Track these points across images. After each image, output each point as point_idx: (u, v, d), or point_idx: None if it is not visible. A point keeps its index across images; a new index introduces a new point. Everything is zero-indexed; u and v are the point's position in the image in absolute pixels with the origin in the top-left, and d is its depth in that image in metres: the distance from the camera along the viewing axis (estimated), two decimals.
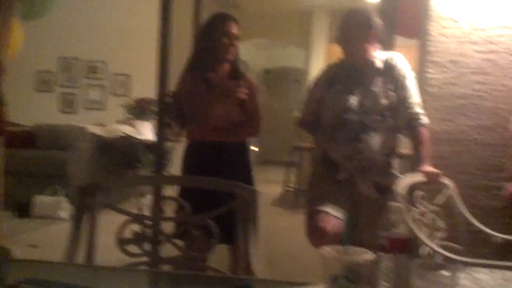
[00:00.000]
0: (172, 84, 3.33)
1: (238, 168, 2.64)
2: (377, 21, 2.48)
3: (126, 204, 5.67)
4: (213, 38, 2.60)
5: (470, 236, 2.31)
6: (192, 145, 2.69)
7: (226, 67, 2.65)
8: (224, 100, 2.57)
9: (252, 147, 2.80)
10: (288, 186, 6.48)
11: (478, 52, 2.82)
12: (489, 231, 2.30)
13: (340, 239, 1.09)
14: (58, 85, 8.16)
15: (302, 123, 2.70)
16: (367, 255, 1.01)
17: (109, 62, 7.94)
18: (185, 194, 2.51)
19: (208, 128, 2.60)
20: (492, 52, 2.81)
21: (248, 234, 1.66)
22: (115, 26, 7.62)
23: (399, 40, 3.27)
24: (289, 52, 10.59)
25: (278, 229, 4.99)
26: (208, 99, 2.56)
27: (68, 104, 8.14)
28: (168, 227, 1.76)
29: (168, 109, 2.97)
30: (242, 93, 2.54)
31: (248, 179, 2.65)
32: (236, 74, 2.65)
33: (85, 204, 1.66)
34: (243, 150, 2.71)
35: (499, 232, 2.31)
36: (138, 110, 6.40)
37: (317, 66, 7.99)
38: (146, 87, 5.02)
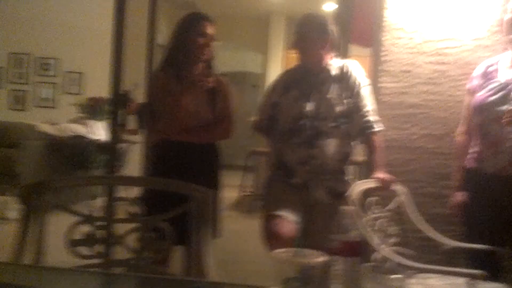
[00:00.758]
0: (126, 83, 3.29)
1: (205, 169, 2.61)
2: (333, 27, 2.52)
3: (78, 206, 5.54)
4: (188, 38, 2.57)
5: (420, 242, 2.37)
6: (160, 144, 2.64)
7: (200, 67, 2.63)
8: (194, 97, 2.55)
9: None
10: (244, 191, 6.48)
11: (428, 63, 2.91)
12: (438, 237, 2.38)
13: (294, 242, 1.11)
14: (8, 81, 7.89)
15: (257, 127, 2.71)
16: (319, 258, 1.02)
17: (62, 59, 7.74)
18: (147, 195, 2.49)
19: (178, 127, 2.56)
20: (441, 63, 2.91)
21: (201, 236, 1.65)
22: (69, 22, 7.44)
23: (354, 48, 3.34)
24: (246, 56, 10.63)
25: (234, 232, 4.98)
26: (179, 96, 2.53)
27: (18, 101, 7.88)
28: (120, 228, 1.73)
29: (124, 106, 2.92)
30: (209, 82, 2.52)
31: (214, 182, 2.64)
32: (210, 74, 2.63)
33: (33, 204, 1.61)
34: (212, 152, 2.68)
35: (448, 239, 2.38)
36: (91, 109, 6.27)
37: (274, 71, 8.06)
38: (100, 86, 4.93)
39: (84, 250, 1.57)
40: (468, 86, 2.55)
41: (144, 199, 2.53)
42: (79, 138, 5.85)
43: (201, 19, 2.61)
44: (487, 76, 2.46)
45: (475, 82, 2.50)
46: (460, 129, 2.58)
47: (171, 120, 2.56)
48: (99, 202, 4.80)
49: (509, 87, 2.36)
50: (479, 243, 2.29)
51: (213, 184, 2.64)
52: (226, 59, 10.95)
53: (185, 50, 2.58)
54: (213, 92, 2.62)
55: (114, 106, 3.14)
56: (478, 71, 2.52)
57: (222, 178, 2.73)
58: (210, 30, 2.60)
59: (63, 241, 1.57)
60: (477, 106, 2.44)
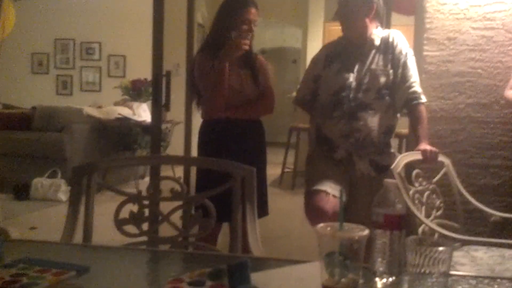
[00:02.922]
0: (167, 65, 3.32)
1: (253, 145, 2.66)
2: None
3: (126, 186, 5.70)
4: (232, 23, 2.56)
5: (467, 214, 2.32)
6: (207, 123, 2.69)
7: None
8: (236, 75, 2.56)
9: None
10: (287, 167, 6.48)
11: (474, 29, 2.81)
12: (486, 209, 2.31)
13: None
14: (55, 67, 8.12)
15: (299, 102, 2.69)
16: (363, 232, 1.01)
17: (105, 43, 7.90)
18: (202, 174, 2.56)
19: (223, 104, 2.57)
20: (488, 28, 2.79)
21: (245, 213, 1.67)
22: (110, 7, 7.56)
23: (396, 17, 3.25)
24: (285, 31, 10.53)
25: (277, 210, 5.00)
26: (221, 76, 2.53)
27: (65, 86, 8.11)
28: (166, 207, 1.76)
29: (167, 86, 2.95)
30: (245, 44, 2.51)
31: (262, 157, 2.70)
32: (249, 55, 2.63)
33: (82, 185, 1.66)
34: (258, 127, 2.71)
35: (496, 210, 2.32)
36: (134, 92, 6.38)
37: (314, 45, 7.95)
38: (142, 68, 5.01)
39: (131, 229, 1.61)
40: None
41: (200, 178, 2.60)
42: (124, 120, 5.98)
43: (247, 4, 2.58)
44: None
45: None
46: (508, 88, 2.48)
47: (217, 98, 2.57)
48: (147, 181, 4.92)
49: None
50: None
51: (262, 159, 2.70)
52: (265, 35, 10.90)
53: (228, 34, 2.56)
54: (253, 70, 2.63)
55: (157, 87, 3.19)
56: None
57: (266, 153, 2.76)
58: (253, 15, 2.58)
59: (112, 221, 1.61)
60: None
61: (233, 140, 2.60)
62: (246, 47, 2.52)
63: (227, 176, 1.70)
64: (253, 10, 2.59)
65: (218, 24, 2.64)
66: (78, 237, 1.61)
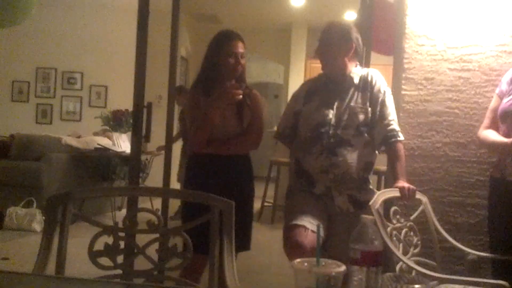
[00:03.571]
0: (148, 96, 3.33)
1: (239, 180, 2.67)
2: (357, 35, 2.51)
3: (103, 217, 5.62)
4: (219, 58, 2.63)
5: (444, 252, 2.33)
6: (193, 157, 2.73)
7: (232, 81, 2.68)
8: (222, 109, 2.58)
9: None
10: (266, 201, 6.46)
11: (451, 70, 2.88)
12: (463, 247, 2.33)
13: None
14: (35, 95, 8.07)
15: (280, 136, 2.71)
16: (339, 268, 1.01)
17: (86, 73, 7.89)
18: (187, 207, 2.56)
19: (204, 141, 2.61)
20: (465, 70, 2.87)
21: (223, 247, 1.65)
22: (94, 37, 7.60)
23: (375, 57, 3.32)
24: (268, 67, 10.67)
25: (256, 243, 4.97)
26: (207, 109, 2.57)
27: (44, 115, 8.05)
28: (143, 239, 1.74)
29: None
30: (237, 94, 2.55)
31: (248, 191, 2.70)
32: (240, 87, 2.66)
33: (57, 215, 1.63)
34: (243, 163, 2.72)
35: (473, 249, 2.33)
36: (115, 122, 6.35)
37: (295, 81, 8.06)
38: (123, 99, 5.01)
39: (106, 261, 1.58)
40: (497, 90, 2.51)
41: (185, 211, 2.59)
42: (104, 150, 5.93)
43: (232, 38, 2.66)
44: None
45: (503, 87, 2.47)
46: (482, 128, 2.54)
47: (200, 134, 2.60)
48: (124, 213, 4.85)
49: None
50: (504, 253, 2.24)
51: (248, 193, 2.71)
52: (248, 70, 11.02)
53: (217, 69, 2.65)
54: (242, 105, 2.65)
55: (137, 118, 3.18)
56: (507, 76, 2.48)
57: (253, 187, 2.76)
58: (241, 48, 2.66)
59: (86, 252, 1.58)
60: (502, 113, 2.40)
61: (218, 174, 2.61)
62: (239, 98, 2.56)
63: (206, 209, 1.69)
64: (239, 44, 2.65)
65: (207, 60, 2.70)
66: (51, 269, 1.57)
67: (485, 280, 2.04)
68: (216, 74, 2.65)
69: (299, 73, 8.64)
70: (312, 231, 2.32)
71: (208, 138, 2.60)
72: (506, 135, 2.35)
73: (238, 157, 2.69)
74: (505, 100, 2.41)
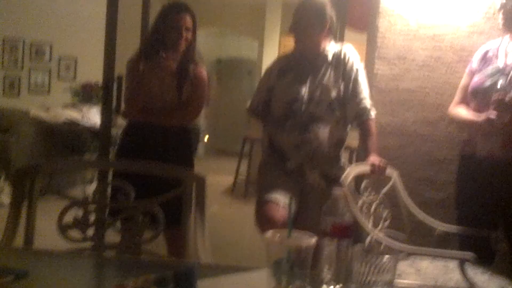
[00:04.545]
0: (118, 68, 3.27)
1: (175, 153, 2.66)
2: (331, 12, 2.50)
3: (74, 190, 5.55)
4: (164, 29, 2.60)
5: (413, 225, 2.38)
6: (128, 126, 2.72)
7: (176, 55, 2.63)
8: (159, 80, 2.59)
9: (203, 136, 2.82)
10: (239, 176, 6.49)
11: (423, 49, 2.90)
12: (431, 221, 2.38)
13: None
14: (2, 67, 7.84)
15: (252, 112, 2.70)
16: (310, 240, 1.02)
17: (55, 44, 7.69)
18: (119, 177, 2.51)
19: (143, 108, 2.61)
20: (437, 49, 2.89)
21: (195, 220, 1.65)
22: (63, 7, 7.38)
23: (349, 33, 3.32)
24: (242, 42, 10.56)
25: (228, 218, 5.01)
26: (143, 78, 2.58)
27: (12, 87, 7.83)
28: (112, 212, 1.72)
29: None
30: (168, 66, 2.56)
31: (185, 164, 2.65)
32: (184, 63, 2.64)
33: (25, 188, 1.60)
34: (182, 133, 2.72)
35: (441, 223, 2.39)
36: (84, 95, 6.24)
37: (269, 57, 8.01)
38: (93, 71, 4.91)
39: (76, 234, 1.57)
40: (467, 68, 2.55)
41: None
42: (73, 123, 5.82)
43: (180, 11, 2.62)
44: (485, 61, 2.45)
45: (474, 65, 2.50)
46: (453, 105, 2.58)
47: (134, 100, 2.61)
48: (94, 187, 4.81)
49: (506, 73, 2.35)
50: (471, 227, 2.30)
51: (186, 166, 2.66)
52: (222, 45, 10.91)
53: (161, 40, 2.63)
54: (183, 78, 2.63)
55: (107, 91, 3.13)
56: (478, 54, 2.52)
57: (192, 162, 2.76)
58: (188, 23, 2.62)
59: (55, 225, 1.56)
60: (473, 90, 2.44)
61: (154, 145, 2.61)
62: (172, 69, 2.58)
63: (147, 181, 1.67)
64: (185, 17, 2.61)
65: (152, 29, 2.70)
66: (19, 242, 1.55)
67: (452, 252, 2.10)
68: (160, 46, 2.62)
69: (273, 49, 8.58)
70: (284, 206, 2.34)
71: (144, 106, 2.60)
72: (477, 111, 2.39)
73: (176, 128, 2.68)
74: (475, 77, 2.45)
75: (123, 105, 2.72)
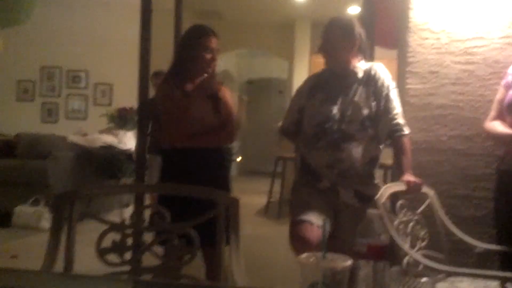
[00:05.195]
0: (153, 92, 3.34)
1: (214, 173, 2.70)
2: (360, 30, 2.51)
3: (110, 215, 5.64)
4: (192, 52, 2.66)
5: (451, 245, 2.32)
6: (168, 152, 2.76)
7: (204, 77, 2.70)
8: (197, 105, 2.64)
9: (235, 157, 2.85)
10: (272, 196, 6.48)
11: (456, 63, 2.87)
12: (470, 240, 2.33)
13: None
14: (40, 94, 8.09)
15: (284, 132, 2.71)
16: (345, 262, 1.01)
17: (91, 71, 7.91)
18: (163, 202, 2.54)
19: (183, 134, 2.66)
20: (469, 63, 2.85)
21: (229, 242, 1.66)
22: (97, 35, 7.60)
23: (378, 51, 3.31)
24: (272, 63, 10.65)
25: (262, 239, 4.99)
26: (183, 104, 2.62)
27: (50, 114, 8.07)
28: (149, 236, 1.75)
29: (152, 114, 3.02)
30: (211, 90, 2.61)
31: (223, 185, 2.72)
32: (213, 82, 2.70)
33: (64, 213, 1.64)
34: (218, 155, 2.76)
35: (480, 241, 2.33)
36: (120, 120, 6.37)
37: (300, 77, 8.05)
38: (128, 96, 5.02)
39: (113, 258, 1.59)
40: (503, 82, 2.50)
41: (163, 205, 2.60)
42: (109, 148, 5.94)
43: (205, 33, 2.69)
44: None
45: (510, 78, 2.46)
46: (488, 120, 2.53)
47: (177, 128, 2.66)
48: (131, 210, 4.87)
49: None
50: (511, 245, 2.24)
51: (224, 186, 2.72)
52: (252, 66, 11.01)
53: (189, 63, 2.68)
54: (215, 99, 2.69)
55: (142, 116, 3.19)
56: None
57: (230, 181, 2.82)
58: (214, 44, 2.69)
59: (94, 250, 1.59)
60: (509, 104, 2.39)
61: (194, 168, 2.65)
62: (206, 92, 2.64)
63: (190, 204, 1.70)
64: (213, 39, 2.68)
65: (180, 54, 2.72)
66: (59, 266, 1.59)
67: (492, 272, 2.04)
68: (190, 68, 2.68)
69: (303, 68, 8.62)
70: (318, 226, 2.32)
71: (185, 132, 2.65)
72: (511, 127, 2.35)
73: (213, 150, 2.73)
74: (511, 91, 2.40)
75: (162, 133, 2.76)
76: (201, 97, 2.66)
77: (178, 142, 2.68)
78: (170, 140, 2.71)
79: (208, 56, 2.65)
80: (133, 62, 3.83)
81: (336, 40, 2.48)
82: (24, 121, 7.70)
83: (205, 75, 2.70)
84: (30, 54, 7.86)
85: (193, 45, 2.67)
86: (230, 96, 2.77)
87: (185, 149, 2.67)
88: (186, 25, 3.67)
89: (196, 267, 2.31)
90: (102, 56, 7.68)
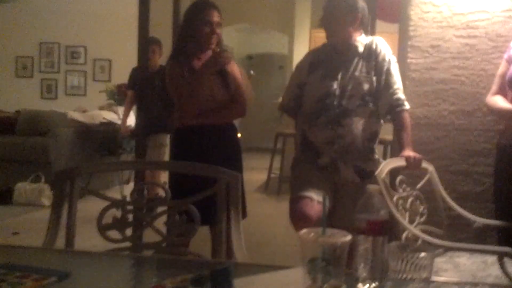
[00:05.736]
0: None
1: (227, 150, 2.69)
2: (363, 3, 2.48)
3: (110, 191, 5.66)
4: (194, 27, 2.62)
5: (450, 220, 2.33)
6: (180, 130, 2.73)
7: (210, 54, 2.66)
8: (206, 82, 2.60)
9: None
10: (272, 173, 6.49)
11: (458, 36, 2.84)
12: (469, 215, 2.33)
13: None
14: (39, 70, 8.05)
15: (284, 108, 2.70)
16: (345, 238, 1.02)
17: (90, 47, 7.85)
18: (175, 180, 2.55)
19: (195, 112, 2.63)
20: (471, 36, 2.83)
21: (231, 218, 1.67)
22: (96, 11, 7.53)
23: (380, 25, 3.28)
24: (272, 38, 10.56)
25: (263, 215, 5.02)
26: (191, 82, 2.58)
27: (48, 90, 8.05)
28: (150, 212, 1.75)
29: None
30: (224, 62, 2.58)
31: (237, 161, 2.72)
32: (220, 57, 2.66)
33: (64, 190, 1.64)
34: (231, 131, 2.76)
35: (479, 217, 2.34)
36: (120, 96, 6.34)
37: (301, 52, 7.97)
38: (127, 72, 4.99)
39: (115, 234, 1.60)
40: (505, 55, 2.48)
41: (171, 183, 2.60)
42: (109, 124, 5.93)
43: (206, 7, 2.66)
44: None
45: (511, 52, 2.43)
46: (490, 95, 2.51)
47: (188, 106, 2.63)
48: (132, 186, 4.89)
49: None
50: (510, 221, 2.25)
51: (237, 162, 2.72)
52: (252, 41, 10.93)
53: (193, 39, 2.65)
54: (223, 74, 2.66)
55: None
56: None
57: (241, 158, 2.79)
58: (216, 17, 2.65)
59: (95, 226, 1.60)
60: (509, 79, 2.37)
61: (207, 146, 2.63)
62: (213, 68, 2.60)
63: (201, 181, 1.70)
64: (214, 12, 2.65)
65: (183, 30, 2.71)
66: (60, 243, 1.60)
67: (491, 247, 2.05)
68: (193, 45, 2.66)
69: (303, 43, 8.54)
70: (318, 202, 2.33)
71: (198, 109, 2.62)
72: None
73: (226, 126, 2.72)
74: None
75: (176, 112, 2.74)
76: (209, 73, 2.62)
77: (188, 120, 2.66)
78: (181, 119, 2.69)
79: (207, 29, 2.61)
80: (132, 37, 3.80)
81: (338, 13, 2.46)
82: (24, 97, 7.68)
83: (210, 50, 2.66)
84: (28, 30, 7.80)
85: (192, 20, 2.65)
86: (238, 70, 2.73)
87: (196, 126, 2.65)
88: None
89: (204, 244, 2.33)
90: (100, 31, 7.62)
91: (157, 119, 4.24)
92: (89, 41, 7.80)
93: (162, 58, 4.44)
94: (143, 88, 4.38)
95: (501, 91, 2.45)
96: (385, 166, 2.21)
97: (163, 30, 4.19)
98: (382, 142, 3.03)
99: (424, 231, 2.07)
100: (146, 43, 4.24)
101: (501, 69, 2.49)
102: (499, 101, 2.43)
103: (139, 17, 3.12)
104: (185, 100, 2.61)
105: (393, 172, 2.27)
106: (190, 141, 2.67)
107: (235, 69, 2.71)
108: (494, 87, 2.49)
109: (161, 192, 1.73)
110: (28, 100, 7.53)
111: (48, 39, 7.93)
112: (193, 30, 2.63)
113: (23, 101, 7.16)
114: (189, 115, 2.65)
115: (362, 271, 1.09)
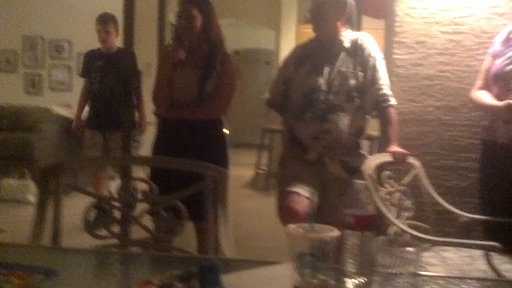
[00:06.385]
0: (139, 63, 3.29)
1: (212, 145, 2.68)
2: (350, 0, 2.48)
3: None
4: (177, 21, 2.68)
5: (436, 215, 2.36)
6: (160, 124, 2.75)
7: (204, 47, 2.65)
8: (187, 74, 2.61)
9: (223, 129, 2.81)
10: (259, 169, 6.49)
11: (443, 33, 2.86)
12: (455, 210, 2.36)
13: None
14: (23, 65, 7.94)
15: (271, 104, 2.69)
16: (333, 233, 1.02)
17: (75, 41, 7.76)
18: (155, 175, 2.53)
19: (165, 101, 2.64)
20: (457, 33, 2.85)
21: (217, 214, 1.66)
22: (79, 4, 7.44)
23: (367, 21, 3.29)
24: (258, 33, 10.54)
25: (250, 211, 5.02)
26: (173, 73, 2.62)
27: (33, 85, 7.93)
28: (137, 209, 1.74)
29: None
30: (174, 57, 2.60)
31: (222, 156, 2.70)
32: (215, 52, 2.65)
33: (50, 186, 1.63)
34: (216, 126, 2.72)
35: (465, 211, 2.36)
36: None
37: (287, 47, 7.97)
38: None
39: (100, 231, 1.59)
40: (490, 50, 2.50)
41: (153, 178, 2.59)
42: None
43: (186, 2, 2.68)
44: (508, 43, 2.40)
45: (496, 47, 2.45)
46: (474, 89, 2.53)
47: (158, 93, 2.66)
48: (118, 182, 4.85)
49: None
50: (496, 215, 2.27)
51: (222, 158, 2.69)
52: (238, 36, 10.89)
53: (175, 32, 2.72)
54: (208, 69, 2.64)
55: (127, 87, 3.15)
56: (500, 36, 2.46)
57: (226, 154, 2.76)
58: (192, 11, 2.64)
59: (80, 222, 1.59)
60: (494, 74, 2.39)
61: (190, 141, 2.62)
62: (179, 58, 2.60)
63: (183, 176, 1.69)
64: (191, 6, 2.65)
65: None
66: (46, 240, 1.58)
67: (477, 242, 2.07)
68: (178, 37, 2.70)
69: (290, 39, 8.54)
70: (306, 198, 2.34)
71: (171, 102, 2.63)
72: (498, 96, 2.35)
73: (207, 122, 2.69)
74: (498, 61, 2.40)
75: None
76: (192, 66, 2.61)
77: (162, 111, 2.67)
78: (161, 112, 2.70)
79: (183, 22, 2.62)
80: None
81: (325, 8, 2.46)
82: (7, 92, 7.57)
83: (207, 45, 2.65)
84: (11, 23, 7.68)
85: (176, 13, 2.70)
86: (231, 67, 2.72)
87: (179, 120, 2.65)
88: None
89: (188, 240, 2.33)
90: (84, 25, 7.50)
91: (115, 112, 3.85)
92: (73, 35, 7.70)
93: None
94: (98, 74, 4.18)
95: (486, 86, 2.47)
96: (371, 161, 2.22)
97: (149, 26, 4.16)
98: (369, 137, 3.04)
99: (411, 226, 2.09)
100: (101, 21, 4.10)
101: (485, 64, 2.51)
102: (483, 97, 2.45)
103: (124, 11, 3.08)
104: (157, 86, 2.64)
105: (380, 168, 2.28)
106: (168, 135, 2.67)
107: (231, 68, 2.71)
108: (479, 82, 2.51)
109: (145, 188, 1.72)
110: (11, 95, 7.42)
111: (30, 33, 7.81)
112: (176, 23, 2.69)
113: (7, 97, 7.06)
114: (162, 105, 2.65)
115: (350, 266, 1.09)
